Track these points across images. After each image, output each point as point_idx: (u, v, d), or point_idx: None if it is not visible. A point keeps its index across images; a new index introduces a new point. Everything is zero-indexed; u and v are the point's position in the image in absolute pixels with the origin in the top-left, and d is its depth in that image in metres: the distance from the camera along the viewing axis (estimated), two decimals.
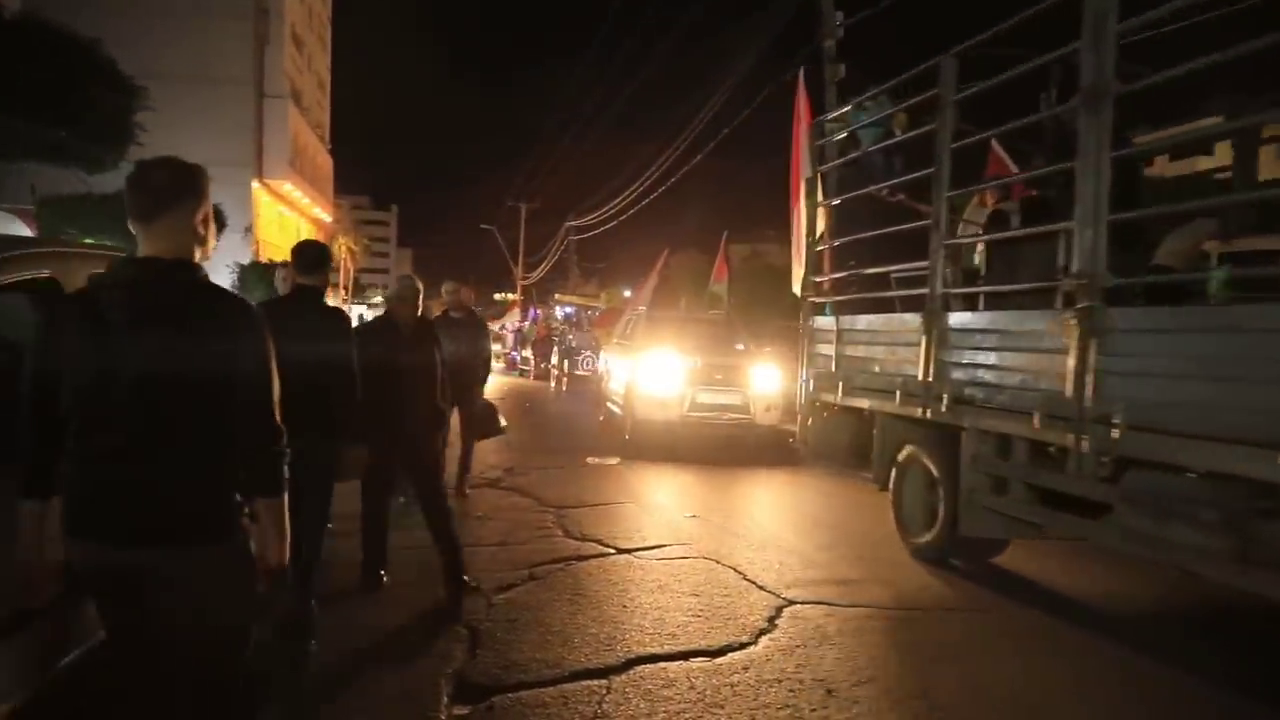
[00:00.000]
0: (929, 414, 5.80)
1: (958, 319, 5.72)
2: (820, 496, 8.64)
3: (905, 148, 6.94)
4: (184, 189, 2.22)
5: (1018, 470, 5.10)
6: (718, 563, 5.87)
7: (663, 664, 4.12)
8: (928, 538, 6.04)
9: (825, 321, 7.64)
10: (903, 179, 6.84)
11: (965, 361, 5.55)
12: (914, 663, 4.31)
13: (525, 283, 46.89)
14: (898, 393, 6.17)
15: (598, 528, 6.75)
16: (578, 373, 23.73)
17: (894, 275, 6.79)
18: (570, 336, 27.09)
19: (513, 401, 18.06)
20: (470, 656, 4.13)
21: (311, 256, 4.33)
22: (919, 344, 5.93)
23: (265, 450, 2.27)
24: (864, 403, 6.82)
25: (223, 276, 27.62)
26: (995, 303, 5.64)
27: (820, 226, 7.99)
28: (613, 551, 6.08)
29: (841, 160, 7.74)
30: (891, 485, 6.54)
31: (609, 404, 13.38)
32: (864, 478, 7.07)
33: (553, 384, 23.78)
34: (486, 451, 9.32)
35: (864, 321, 7.03)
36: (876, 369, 6.66)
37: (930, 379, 5.81)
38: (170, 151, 2.34)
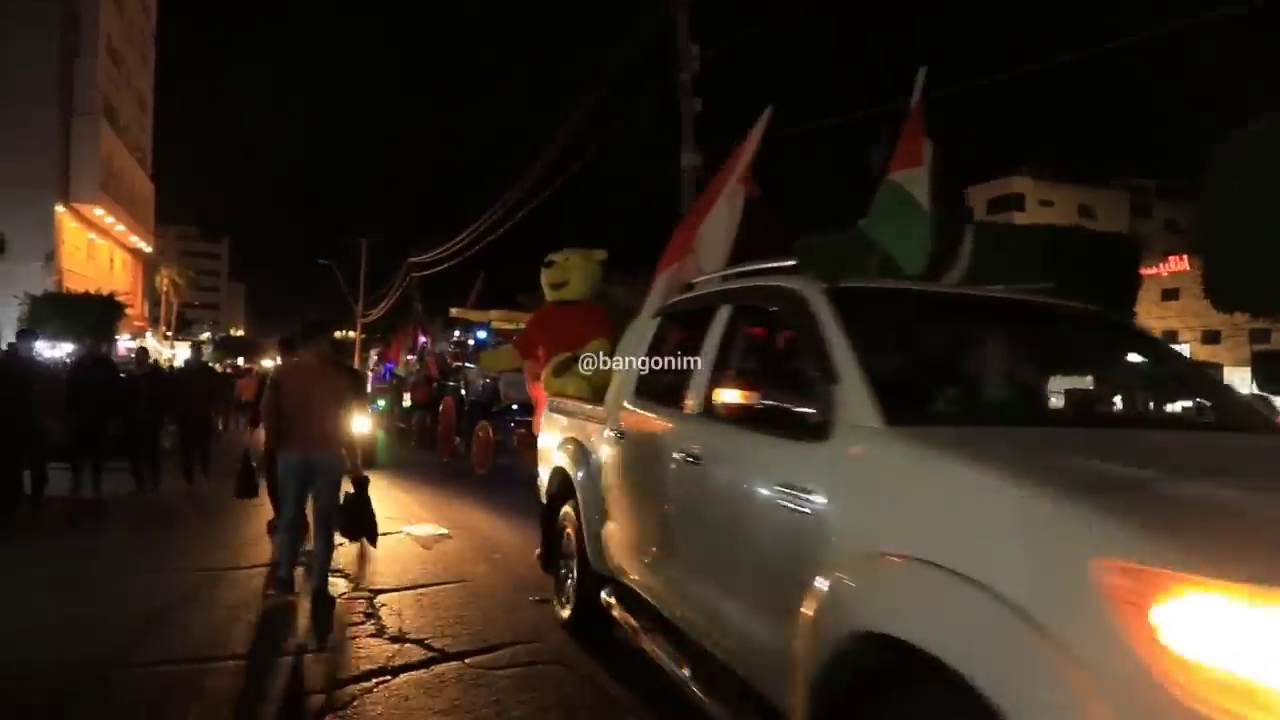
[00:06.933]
0: None
1: None
2: None
3: None
4: None
5: None
6: (571, 669, 4.72)
7: None
8: None
9: None
10: None
11: None
12: None
13: (367, 319, 44.43)
14: None
15: (420, 620, 5.49)
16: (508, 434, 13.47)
17: None
18: (485, 380, 15.34)
19: None
20: None
21: None
22: None
23: None
24: None
25: (9, 308, 24.34)
26: None
27: None
28: (439, 656, 4.84)
29: None
30: None
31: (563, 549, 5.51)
32: None
33: (445, 460, 15.17)
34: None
35: None
36: None
37: None
38: None
